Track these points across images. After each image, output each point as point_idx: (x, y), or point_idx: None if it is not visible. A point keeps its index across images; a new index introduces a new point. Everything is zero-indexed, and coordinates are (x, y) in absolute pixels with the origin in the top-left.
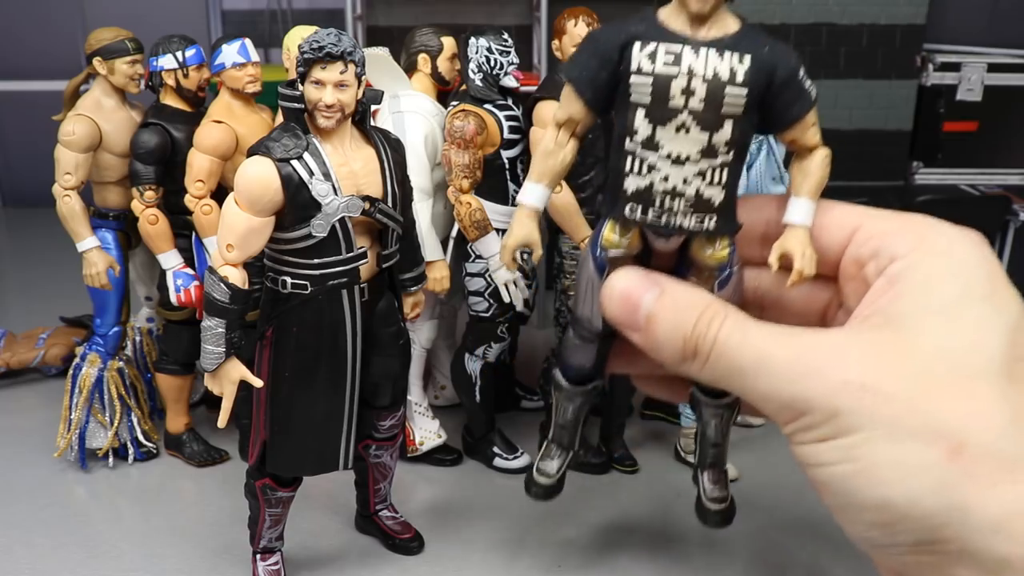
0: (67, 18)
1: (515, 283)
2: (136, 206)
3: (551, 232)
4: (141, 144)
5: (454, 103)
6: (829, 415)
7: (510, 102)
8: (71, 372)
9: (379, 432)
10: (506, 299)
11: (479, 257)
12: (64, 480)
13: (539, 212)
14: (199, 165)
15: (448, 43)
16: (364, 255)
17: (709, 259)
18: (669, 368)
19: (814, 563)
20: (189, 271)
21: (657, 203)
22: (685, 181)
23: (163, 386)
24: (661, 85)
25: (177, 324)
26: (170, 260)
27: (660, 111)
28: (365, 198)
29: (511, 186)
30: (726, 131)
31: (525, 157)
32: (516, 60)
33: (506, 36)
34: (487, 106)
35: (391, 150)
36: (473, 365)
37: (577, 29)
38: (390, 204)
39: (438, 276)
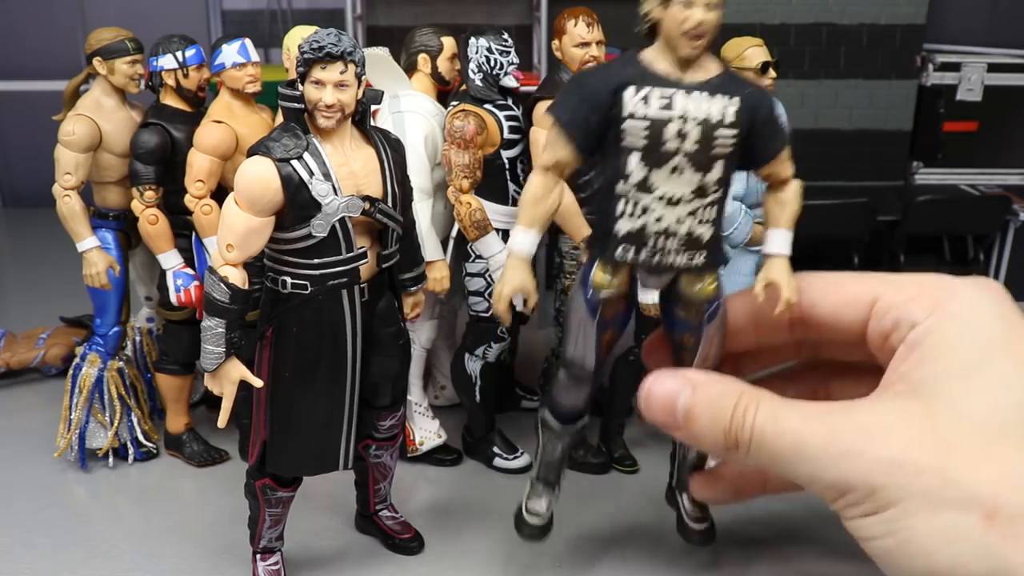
0: (67, 18)
1: None
2: (136, 206)
3: (551, 232)
4: (141, 144)
5: (454, 103)
6: (868, 492)
7: (510, 102)
8: (71, 372)
9: (379, 432)
10: None
11: (479, 257)
12: (64, 480)
13: (530, 259)
14: (199, 165)
15: (448, 43)
16: (364, 255)
17: (699, 293)
18: (715, 456)
19: (812, 562)
20: (189, 271)
21: (650, 243)
22: (678, 220)
23: (163, 386)
24: (656, 129)
25: (177, 324)
26: (170, 260)
27: (655, 154)
28: (365, 198)
29: (511, 186)
30: (716, 171)
31: (525, 157)
32: (516, 60)
33: (506, 36)
34: (487, 106)
35: (391, 150)
36: (473, 365)
37: (577, 29)
38: (390, 204)
39: (438, 276)
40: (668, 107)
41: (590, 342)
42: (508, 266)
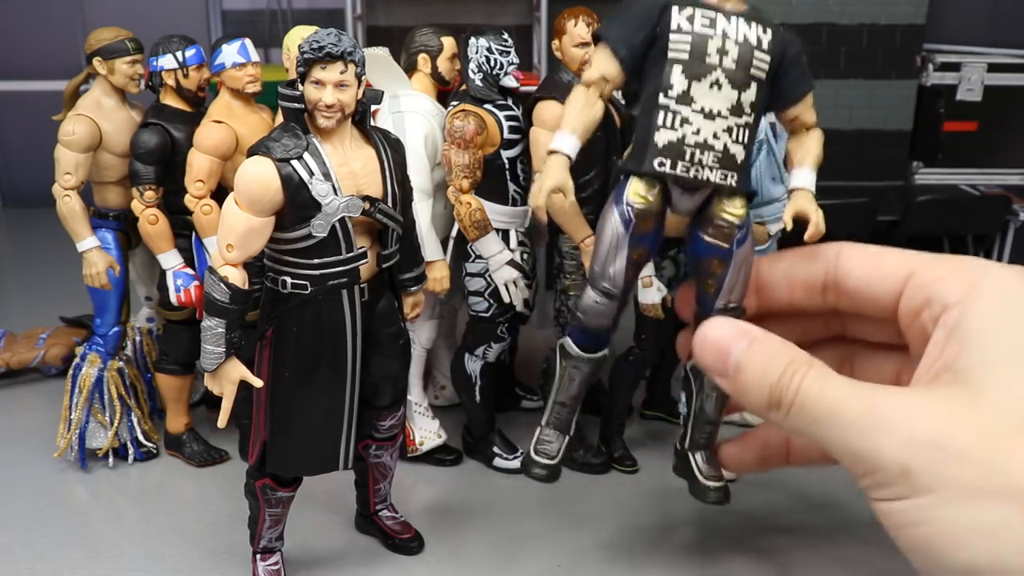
0: (67, 18)
1: (515, 283)
2: (136, 206)
3: (551, 232)
4: (141, 144)
5: (454, 103)
6: (899, 473)
7: (510, 102)
8: (71, 372)
9: (379, 432)
10: (506, 299)
11: (479, 257)
12: (64, 480)
13: (571, 160)
14: (199, 165)
15: (448, 43)
16: (364, 255)
17: (730, 215)
18: (754, 413)
19: (813, 562)
20: (189, 271)
21: (687, 156)
22: (715, 135)
23: (163, 386)
24: (699, 43)
25: (177, 324)
26: (170, 260)
27: (697, 67)
28: (365, 198)
29: (511, 186)
30: (751, 92)
31: (525, 157)
32: (516, 60)
33: (506, 36)
34: (487, 106)
35: (391, 150)
36: (473, 365)
37: (577, 29)
38: (390, 204)
39: (438, 276)
40: (710, 25)
41: (622, 257)
42: (549, 163)
